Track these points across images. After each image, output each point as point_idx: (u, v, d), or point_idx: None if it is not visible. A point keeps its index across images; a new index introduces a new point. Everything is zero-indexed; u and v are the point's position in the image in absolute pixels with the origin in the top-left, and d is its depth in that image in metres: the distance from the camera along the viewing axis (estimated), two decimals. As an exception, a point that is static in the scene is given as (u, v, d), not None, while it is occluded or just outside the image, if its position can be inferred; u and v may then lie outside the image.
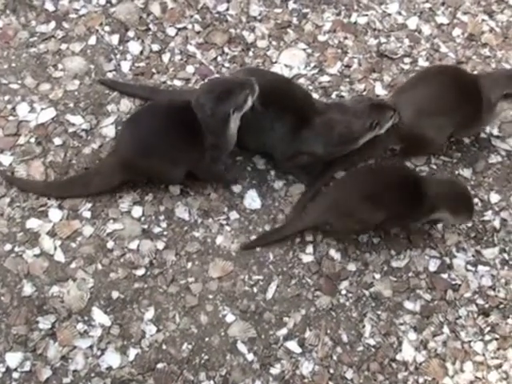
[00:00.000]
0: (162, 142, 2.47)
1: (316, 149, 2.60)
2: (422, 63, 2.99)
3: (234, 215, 2.62)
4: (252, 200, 2.66)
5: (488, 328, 2.52)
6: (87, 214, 2.57)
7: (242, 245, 2.58)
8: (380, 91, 2.90)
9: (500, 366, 2.47)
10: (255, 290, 2.52)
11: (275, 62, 2.95)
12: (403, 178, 2.55)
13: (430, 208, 2.54)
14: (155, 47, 2.92)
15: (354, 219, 2.52)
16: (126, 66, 2.87)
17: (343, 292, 2.54)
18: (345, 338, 2.47)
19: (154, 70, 2.87)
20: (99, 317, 2.42)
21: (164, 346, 2.40)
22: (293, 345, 2.44)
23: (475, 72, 2.95)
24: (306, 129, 2.57)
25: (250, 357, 2.41)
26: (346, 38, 3.03)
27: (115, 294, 2.45)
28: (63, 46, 2.89)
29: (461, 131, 2.78)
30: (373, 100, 2.69)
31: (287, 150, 2.61)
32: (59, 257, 2.50)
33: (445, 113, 2.64)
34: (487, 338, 2.51)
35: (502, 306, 2.56)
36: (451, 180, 2.69)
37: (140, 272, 2.50)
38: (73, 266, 2.49)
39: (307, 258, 2.58)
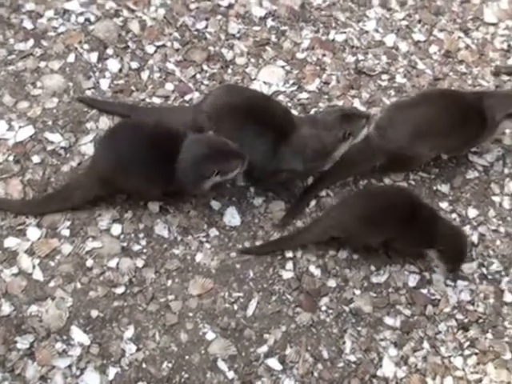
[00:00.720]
0: (138, 160, 2.46)
1: (295, 166, 2.60)
2: (400, 80, 3.01)
3: (213, 232, 2.62)
4: (232, 217, 2.66)
5: (467, 343, 2.53)
6: (66, 232, 2.55)
7: (242, 248, 2.60)
8: (358, 108, 2.91)
9: (480, 380, 2.48)
10: (235, 307, 2.51)
11: (254, 79, 2.96)
12: (412, 205, 2.57)
13: (429, 244, 2.58)
14: (134, 65, 2.92)
15: (355, 241, 2.60)
16: (104, 84, 2.87)
17: (323, 308, 2.54)
18: (325, 355, 2.47)
19: (132, 88, 2.87)
20: (78, 336, 2.40)
21: (144, 365, 2.38)
22: (273, 362, 2.43)
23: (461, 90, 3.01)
24: (284, 146, 2.58)
25: (231, 375, 2.40)
26: (324, 55, 3.05)
27: (94, 313, 2.44)
28: (42, 64, 2.88)
29: (457, 151, 2.83)
30: (345, 110, 2.68)
31: (267, 167, 2.61)
32: (38, 275, 2.48)
33: (439, 135, 2.67)
34: (467, 352, 2.52)
35: (481, 320, 2.57)
36: (461, 231, 2.68)
37: (119, 290, 2.48)
38: (51, 284, 2.47)
39: (287, 274, 2.58)
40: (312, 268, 2.59)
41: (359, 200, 2.63)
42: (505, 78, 3.08)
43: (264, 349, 2.45)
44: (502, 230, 2.75)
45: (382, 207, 2.54)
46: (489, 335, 2.55)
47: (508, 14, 3.25)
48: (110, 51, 2.94)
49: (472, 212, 2.77)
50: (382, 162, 2.74)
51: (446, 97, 2.79)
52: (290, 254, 2.61)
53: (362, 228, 2.53)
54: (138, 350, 2.40)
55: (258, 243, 2.62)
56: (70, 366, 2.35)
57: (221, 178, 2.52)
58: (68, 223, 2.57)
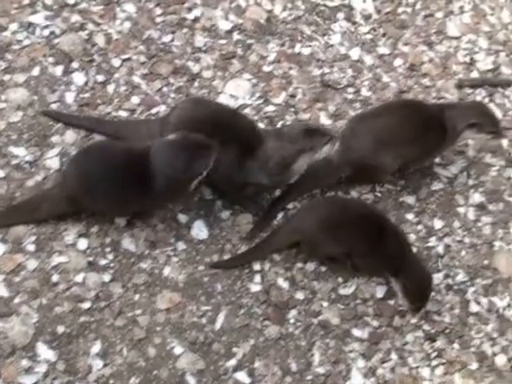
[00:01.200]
0: (108, 184, 2.44)
1: (261, 180, 2.60)
2: (365, 93, 3.04)
3: (181, 246, 2.61)
4: (199, 230, 2.65)
5: (435, 353, 2.55)
6: (31, 247, 2.52)
7: (211, 263, 2.59)
8: (325, 121, 2.93)
9: (447, 390, 2.50)
10: (203, 320, 2.50)
11: (221, 93, 2.96)
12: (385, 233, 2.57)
13: (394, 272, 2.58)
14: (100, 78, 2.91)
15: (316, 247, 2.60)
16: (70, 97, 2.84)
17: (292, 321, 2.54)
18: (294, 367, 2.47)
19: (98, 101, 2.85)
20: (44, 352, 2.37)
21: (111, 381, 2.36)
22: (242, 375, 2.43)
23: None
24: (250, 160, 2.58)
25: (199, 389, 2.39)
26: (290, 68, 3.06)
27: (60, 329, 2.41)
28: (6, 77, 2.84)
29: (420, 161, 2.84)
30: (309, 125, 2.70)
31: (233, 181, 2.61)
32: (2, 291, 2.44)
33: (402, 144, 2.70)
34: (434, 363, 2.54)
35: (447, 330, 2.60)
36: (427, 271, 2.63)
37: (86, 305, 2.46)
38: (16, 300, 2.43)
39: (255, 287, 2.58)
40: (280, 281, 2.60)
41: (325, 205, 2.68)
42: (468, 90, 3.12)
43: (232, 362, 2.44)
44: (466, 240, 2.78)
45: (345, 218, 2.56)
46: (455, 345, 2.58)
47: (470, 27, 3.30)
48: (75, 64, 2.92)
49: (437, 223, 2.80)
50: (348, 173, 2.76)
51: (408, 107, 2.84)
52: (257, 267, 2.61)
53: (321, 233, 2.55)
54: (105, 365, 2.38)
55: (225, 256, 2.61)
56: (36, 383, 2.31)
57: (203, 175, 2.48)
58: (33, 238, 2.54)
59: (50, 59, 2.91)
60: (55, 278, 2.49)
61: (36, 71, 2.88)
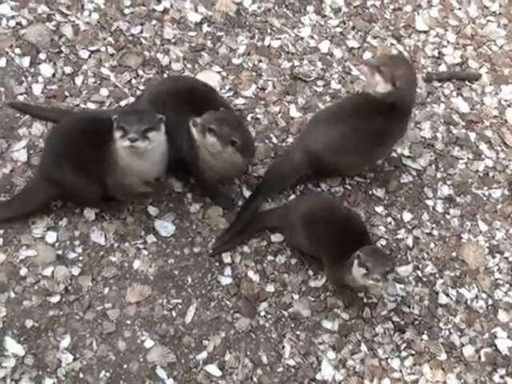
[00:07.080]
0: (76, 156, 2.43)
1: None
2: (335, 86, 3.05)
3: (151, 239, 2.60)
4: (169, 223, 2.63)
5: (404, 344, 2.57)
6: (-1, 241, 2.50)
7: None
8: (294, 113, 2.94)
9: (416, 381, 2.52)
10: (174, 313, 2.49)
11: (190, 85, 2.94)
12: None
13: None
14: (68, 70, 2.87)
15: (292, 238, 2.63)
16: (37, 89, 2.81)
17: (262, 313, 2.54)
18: (265, 360, 2.47)
19: (66, 93, 2.82)
20: (12, 347, 2.34)
21: (81, 375, 2.34)
22: (213, 368, 2.42)
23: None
24: None
25: (170, 382, 2.38)
26: (260, 61, 3.06)
27: (29, 323, 2.38)
28: (-28, 69, 2.81)
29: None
30: None
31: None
32: (-31, 286, 2.42)
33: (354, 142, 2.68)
34: (403, 354, 2.56)
35: (416, 322, 2.62)
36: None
37: (55, 299, 2.44)
38: (-16, 295, 2.41)
39: (226, 280, 2.57)
40: (250, 273, 2.60)
41: (313, 202, 2.66)
42: (436, 84, 3.15)
43: (203, 355, 2.44)
44: (435, 232, 2.80)
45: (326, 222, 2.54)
46: (424, 337, 2.60)
47: (438, 22, 3.33)
48: (42, 56, 2.88)
49: (407, 216, 2.82)
50: (308, 171, 2.75)
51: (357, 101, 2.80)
52: (228, 260, 2.60)
53: (300, 227, 2.55)
54: (75, 359, 2.36)
55: (195, 249, 2.60)
56: (4, 378, 2.29)
57: None
58: (0, 232, 2.50)
59: (17, 50, 2.87)
60: (23, 271, 2.46)
61: (2, 62, 2.84)
